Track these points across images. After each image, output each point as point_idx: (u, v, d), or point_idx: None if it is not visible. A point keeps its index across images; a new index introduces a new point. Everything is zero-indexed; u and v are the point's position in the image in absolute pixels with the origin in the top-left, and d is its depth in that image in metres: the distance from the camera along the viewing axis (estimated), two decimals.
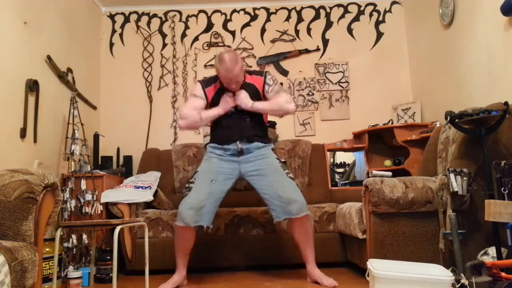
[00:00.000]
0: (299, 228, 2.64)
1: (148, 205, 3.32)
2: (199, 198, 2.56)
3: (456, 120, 2.34)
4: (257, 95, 2.74)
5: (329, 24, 4.40)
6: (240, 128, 2.70)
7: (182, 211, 2.56)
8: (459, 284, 1.85)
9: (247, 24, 4.40)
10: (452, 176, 2.22)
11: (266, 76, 2.78)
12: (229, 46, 4.34)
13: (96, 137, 3.78)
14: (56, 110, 3.29)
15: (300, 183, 3.75)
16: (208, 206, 2.58)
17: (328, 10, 4.42)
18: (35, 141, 2.96)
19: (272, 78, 2.78)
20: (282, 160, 2.87)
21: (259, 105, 2.69)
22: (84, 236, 3.01)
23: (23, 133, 2.83)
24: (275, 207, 2.60)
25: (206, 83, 2.80)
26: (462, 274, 1.89)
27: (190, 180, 2.68)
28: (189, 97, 2.83)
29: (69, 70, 3.55)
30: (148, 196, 3.24)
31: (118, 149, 4.10)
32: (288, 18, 4.41)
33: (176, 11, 4.42)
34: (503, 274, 1.85)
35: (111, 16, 4.39)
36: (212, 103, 2.75)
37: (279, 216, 2.60)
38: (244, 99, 2.66)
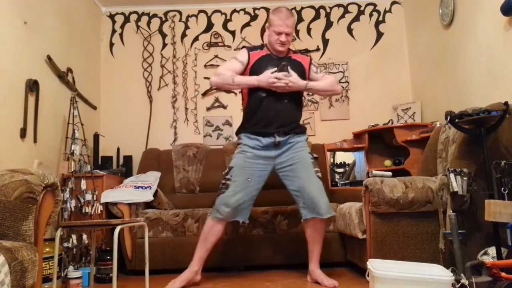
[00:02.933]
0: (313, 227, 2.62)
1: (148, 205, 3.32)
2: (237, 197, 2.57)
3: (456, 120, 2.33)
4: (303, 74, 2.66)
5: (329, 24, 4.40)
6: (278, 112, 2.60)
7: (219, 207, 2.58)
8: (459, 284, 1.85)
9: (247, 24, 4.40)
10: (452, 176, 2.22)
11: (312, 58, 2.78)
12: (229, 46, 4.34)
13: (96, 137, 3.78)
14: (56, 110, 3.29)
15: None
16: (245, 203, 2.61)
17: (328, 10, 4.42)
18: (35, 141, 2.96)
19: (316, 62, 2.78)
20: (315, 155, 2.79)
21: (312, 85, 2.63)
22: (84, 236, 3.01)
23: (23, 133, 2.83)
24: (303, 205, 2.60)
25: (252, 48, 2.74)
26: (462, 274, 1.89)
27: (226, 177, 2.62)
28: (231, 58, 2.71)
29: (69, 70, 3.55)
30: (148, 196, 3.24)
31: (118, 149, 4.10)
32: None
33: (176, 11, 4.42)
34: (503, 274, 1.85)
35: (111, 16, 4.39)
36: (253, 67, 2.64)
37: (306, 215, 2.60)
38: (297, 80, 2.55)
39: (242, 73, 2.66)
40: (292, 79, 2.54)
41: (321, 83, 2.68)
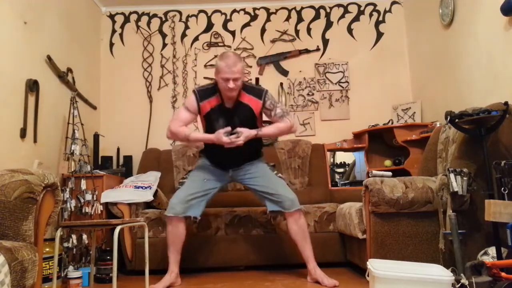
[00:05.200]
0: (295, 226, 2.70)
1: (148, 205, 3.32)
2: (190, 191, 2.70)
3: (456, 120, 2.34)
4: (252, 117, 2.69)
5: (329, 24, 4.40)
6: (232, 155, 2.69)
7: (171, 202, 2.69)
8: (459, 284, 1.85)
9: (247, 24, 4.40)
10: (452, 176, 2.22)
11: (266, 101, 2.69)
12: (229, 46, 4.34)
13: (96, 137, 3.78)
14: (56, 110, 3.29)
15: (300, 183, 3.75)
16: (197, 199, 2.71)
17: (328, 10, 4.42)
18: (35, 141, 2.96)
19: (272, 103, 2.70)
20: (271, 164, 2.93)
21: (263, 133, 2.70)
22: (84, 236, 3.01)
23: (23, 133, 2.83)
24: (267, 201, 2.74)
25: (202, 95, 2.70)
26: (462, 274, 1.89)
27: (184, 177, 2.83)
28: (182, 107, 2.77)
29: (69, 70, 3.55)
30: (148, 196, 3.24)
31: (118, 149, 4.10)
32: (288, 18, 4.41)
33: (176, 11, 4.42)
34: (503, 274, 1.85)
35: (111, 16, 4.39)
36: (207, 119, 2.71)
37: (271, 208, 2.72)
38: (248, 133, 2.59)
39: (194, 119, 2.82)
40: (243, 137, 2.56)
41: (271, 129, 2.74)
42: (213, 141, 2.61)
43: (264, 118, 2.82)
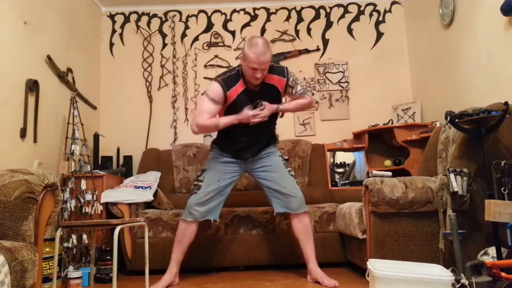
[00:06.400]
0: (299, 225, 2.70)
1: (148, 205, 3.32)
2: (207, 197, 2.68)
3: (456, 120, 2.34)
4: (278, 97, 2.68)
5: (329, 24, 4.40)
6: (252, 142, 2.70)
7: (190, 206, 2.68)
8: (459, 284, 1.85)
9: (247, 24, 4.40)
10: (452, 176, 2.22)
11: (289, 78, 2.66)
12: (229, 46, 4.34)
13: (96, 137, 3.78)
14: (56, 110, 3.29)
15: (300, 183, 3.74)
16: (215, 202, 2.71)
17: (328, 10, 4.42)
18: (35, 141, 2.96)
19: (294, 80, 2.68)
20: (285, 157, 2.93)
21: (283, 107, 2.69)
22: (84, 236, 3.01)
23: (23, 133, 2.83)
24: (276, 200, 2.72)
25: (227, 83, 2.58)
26: (462, 274, 1.89)
27: (199, 178, 2.76)
28: (206, 98, 2.58)
29: (69, 70, 3.55)
30: (148, 196, 3.24)
31: (118, 149, 4.10)
32: (288, 18, 4.41)
33: (176, 11, 4.42)
34: (503, 274, 1.85)
35: (111, 16, 4.39)
36: (234, 105, 2.61)
37: (279, 209, 2.71)
38: (270, 108, 2.60)
39: (221, 109, 2.64)
40: (266, 110, 2.58)
41: (292, 104, 2.72)
42: (241, 120, 2.58)
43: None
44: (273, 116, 2.71)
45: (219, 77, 2.61)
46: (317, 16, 4.41)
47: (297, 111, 2.87)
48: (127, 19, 4.39)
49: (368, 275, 1.97)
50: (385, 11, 4.40)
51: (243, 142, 2.70)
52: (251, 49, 2.45)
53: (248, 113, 2.56)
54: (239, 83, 2.60)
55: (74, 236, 2.96)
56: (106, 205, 3.15)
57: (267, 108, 2.59)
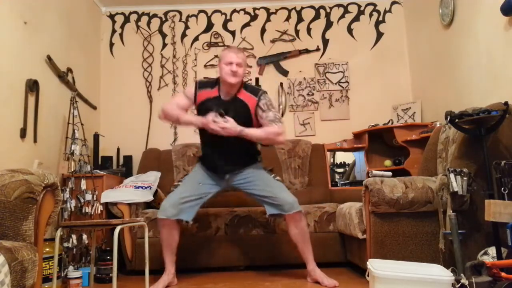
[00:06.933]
0: (295, 228, 2.67)
1: (148, 205, 3.32)
2: (182, 195, 2.65)
3: (456, 120, 2.34)
4: (246, 114, 2.64)
5: (329, 24, 4.40)
6: (226, 156, 2.67)
7: (163, 204, 2.66)
8: (459, 284, 1.85)
9: (247, 24, 4.40)
10: (452, 176, 2.22)
11: (261, 100, 2.65)
12: (229, 46, 4.34)
13: (96, 137, 3.78)
14: (56, 110, 3.29)
15: (300, 183, 3.75)
16: (190, 203, 2.65)
17: (328, 10, 4.42)
18: (35, 141, 2.96)
19: (267, 103, 2.65)
20: (269, 168, 2.86)
21: (247, 132, 2.56)
22: (84, 236, 3.01)
23: (23, 133, 2.83)
24: (267, 204, 2.69)
25: (203, 85, 2.72)
26: (462, 274, 1.89)
27: (179, 180, 2.79)
28: (181, 93, 2.83)
29: (69, 70, 3.55)
30: (148, 196, 3.24)
31: (118, 149, 4.10)
32: (288, 18, 4.41)
33: (176, 11, 4.42)
34: (503, 274, 1.85)
35: (111, 16, 4.39)
36: (200, 107, 2.69)
37: (271, 211, 2.67)
38: (233, 127, 2.52)
39: (189, 107, 2.78)
40: (228, 125, 2.51)
41: (257, 132, 2.60)
42: (202, 123, 2.58)
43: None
44: (246, 143, 2.65)
45: (199, 79, 2.81)
46: (317, 16, 4.41)
47: (262, 141, 2.69)
48: (127, 19, 4.39)
49: (368, 275, 1.97)
50: (385, 11, 4.40)
51: (217, 157, 2.69)
52: (226, 50, 2.67)
53: (209, 118, 2.52)
54: (214, 89, 2.70)
55: (74, 236, 2.96)
56: (106, 205, 3.15)
57: (230, 124, 2.51)
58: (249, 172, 2.73)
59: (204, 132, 2.68)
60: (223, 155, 2.68)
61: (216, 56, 4.32)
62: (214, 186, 2.75)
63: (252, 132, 2.59)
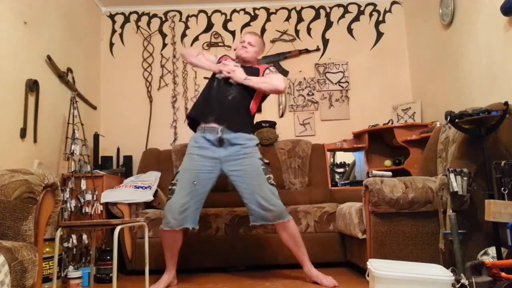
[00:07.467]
0: (284, 233, 2.65)
1: (148, 205, 3.32)
2: (182, 202, 2.57)
3: (456, 120, 2.33)
4: (256, 75, 2.82)
5: (329, 24, 4.40)
6: (221, 101, 2.70)
7: (166, 215, 2.58)
8: (459, 284, 1.85)
9: (247, 24, 4.40)
10: (452, 176, 2.22)
11: (270, 66, 2.91)
12: (229, 46, 4.34)
13: (96, 137, 3.78)
14: (56, 110, 3.29)
15: (300, 183, 3.75)
16: (191, 208, 2.59)
17: (328, 10, 4.42)
18: (35, 141, 2.96)
19: (274, 69, 2.88)
20: (266, 161, 2.72)
21: (251, 78, 2.73)
22: (84, 236, 3.01)
23: (23, 133, 2.83)
24: (252, 212, 2.61)
25: (225, 57, 2.96)
26: (462, 274, 1.89)
27: (172, 182, 2.66)
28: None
29: (69, 70, 3.55)
30: (148, 196, 3.24)
31: (118, 149, 4.10)
32: (288, 18, 4.41)
33: (176, 11, 4.42)
34: (503, 274, 1.85)
35: (111, 16, 4.39)
36: (220, 62, 2.88)
37: (255, 221, 2.62)
38: (238, 73, 2.73)
39: (210, 60, 2.93)
40: (236, 69, 2.74)
41: (259, 78, 2.78)
42: (210, 67, 2.82)
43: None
44: (246, 89, 2.73)
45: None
46: (317, 16, 4.41)
47: (260, 88, 2.72)
48: (127, 19, 4.39)
49: (368, 275, 1.97)
50: (385, 11, 4.40)
51: (215, 103, 2.70)
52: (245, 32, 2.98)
53: (223, 61, 2.81)
54: (231, 58, 2.96)
55: (74, 236, 2.96)
56: (106, 205, 3.15)
57: (238, 70, 2.74)
58: (246, 158, 2.63)
59: (211, 82, 2.81)
60: (223, 106, 2.69)
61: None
62: (209, 177, 2.64)
63: (255, 79, 2.75)
